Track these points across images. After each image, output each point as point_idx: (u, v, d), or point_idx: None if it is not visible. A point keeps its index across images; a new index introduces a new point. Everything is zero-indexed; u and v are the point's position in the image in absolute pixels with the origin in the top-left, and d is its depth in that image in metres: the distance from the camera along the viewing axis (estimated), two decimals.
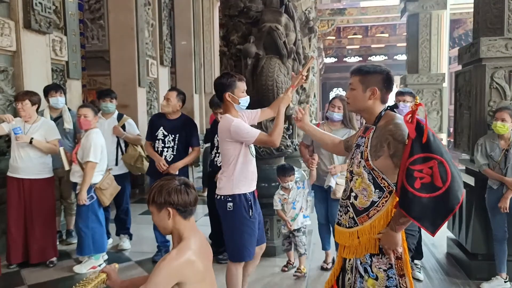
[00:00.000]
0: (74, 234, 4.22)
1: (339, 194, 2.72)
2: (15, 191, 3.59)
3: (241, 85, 2.62)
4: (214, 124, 3.97)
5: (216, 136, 3.66)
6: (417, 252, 3.39)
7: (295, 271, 3.48)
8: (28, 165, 3.58)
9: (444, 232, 4.01)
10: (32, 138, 3.52)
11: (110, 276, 1.75)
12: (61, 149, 3.62)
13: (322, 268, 3.61)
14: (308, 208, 3.55)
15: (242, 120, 2.64)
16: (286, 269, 3.56)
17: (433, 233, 1.70)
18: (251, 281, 3.04)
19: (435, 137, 1.73)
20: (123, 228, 4.25)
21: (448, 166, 1.66)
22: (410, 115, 1.73)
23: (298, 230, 3.44)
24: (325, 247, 3.69)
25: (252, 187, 2.65)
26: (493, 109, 3.39)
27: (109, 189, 3.67)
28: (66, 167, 3.63)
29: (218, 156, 3.67)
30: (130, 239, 4.28)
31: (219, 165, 3.20)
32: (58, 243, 4.01)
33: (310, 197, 3.55)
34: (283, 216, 3.44)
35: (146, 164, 4.17)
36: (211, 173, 3.91)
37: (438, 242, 4.19)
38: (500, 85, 3.42)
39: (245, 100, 2.63)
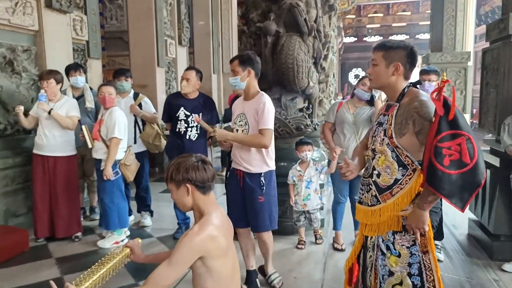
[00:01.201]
0: (97, 210, 4.33)
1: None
2: (40, 168, 3.70)
3: (230, 66, 2.79)
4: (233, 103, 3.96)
5: None
6: (437, 233, 3.35)
7: (317, 239, 3.69)
8: (52, 142, 3.67)
9: (465, 213, 3.93)
10: (51, 109, 3.60)
11: (134, 250, 1.79)
12: (84, 127, 3.68)
13: (336, 249, 3.58)
14: (324, 198, 3.65)
15: (261, 106, 2.71)
16: (303, 247, 3.58)
17: (462, 208, 1.70)
18: None
19: (461, 113, 1.71)
20: (144, 205, 4.33)
21: (474, 142, 1.66)
22: (437, 92, 1.69)
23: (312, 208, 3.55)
24: (336, 227, 3.66)
25: (235, 166, 2.84)
26: None
27: (132, 165, 3.76)
28: (89, 145, 3.70)
29: None
30: (152, 216, 4.37)
31: None
32: (82, 219, 4.13)
33: (328, 186, 3.59)
34: (291, 192, 3.54)
35: (164, 142, 4.21)
36: (229, 153, 3.91)
37: (459, 223, 4.14)
38: None
39: (231, 80, 2.77)
